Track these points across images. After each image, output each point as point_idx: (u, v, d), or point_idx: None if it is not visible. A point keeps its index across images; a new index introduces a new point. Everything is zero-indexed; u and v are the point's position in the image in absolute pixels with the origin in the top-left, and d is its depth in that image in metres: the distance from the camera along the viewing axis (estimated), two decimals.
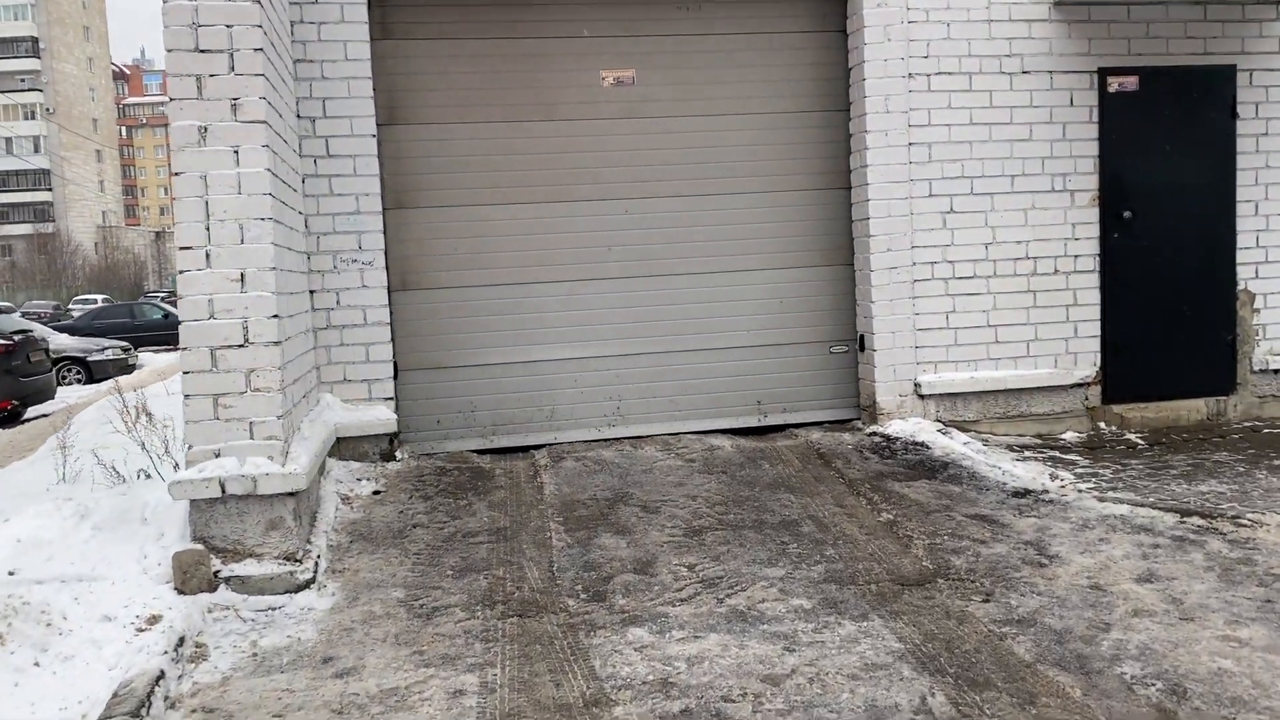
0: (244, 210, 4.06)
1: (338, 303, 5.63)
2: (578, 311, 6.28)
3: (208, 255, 4.04)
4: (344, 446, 5.61)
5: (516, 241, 6.18)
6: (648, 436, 6.32)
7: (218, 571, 3.90)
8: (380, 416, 5.63)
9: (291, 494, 4.01)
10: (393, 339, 5.92)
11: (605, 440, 6.30)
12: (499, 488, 5.39)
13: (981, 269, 6.40)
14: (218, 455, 4.00)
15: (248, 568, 3.95)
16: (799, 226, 6.49)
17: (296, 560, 4.03)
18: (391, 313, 5.92)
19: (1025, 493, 5.14)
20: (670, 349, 6.40)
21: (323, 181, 5.56)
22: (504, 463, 5.91)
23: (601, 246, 6.29)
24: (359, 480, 5.44)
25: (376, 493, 5.31)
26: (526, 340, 6.23)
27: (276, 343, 4.07)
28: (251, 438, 4.02)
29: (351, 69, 5.53)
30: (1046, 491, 5.17)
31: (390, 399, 5.73)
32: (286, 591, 3.92)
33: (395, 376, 5.89)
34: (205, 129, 4.06)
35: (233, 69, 4.08)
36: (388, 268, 5.90)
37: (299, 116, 5.48)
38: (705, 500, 5.08)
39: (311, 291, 5.58)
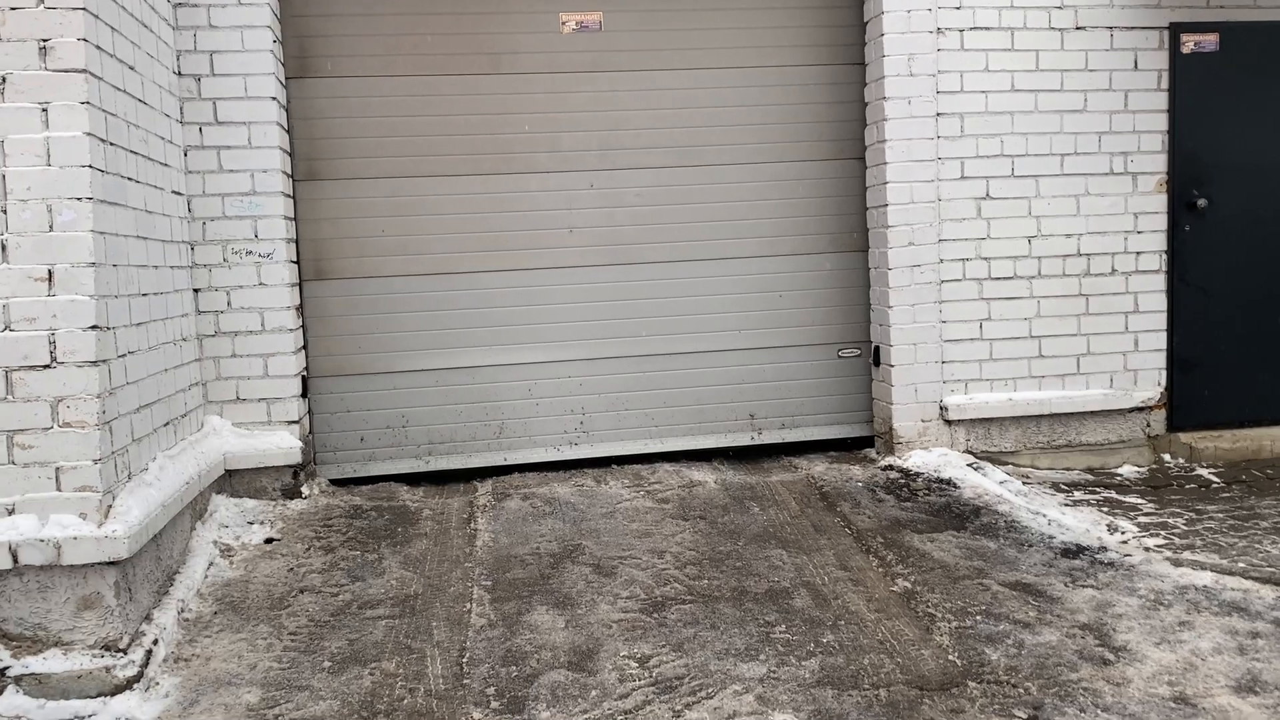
0: (55, 188, 3.21)
1: (228, 304, 4.78)
2: (532, 307, 5.44)
3: (3, 246, 3.19)
4: (237, 480, 4.77)
5: (457, 221, 5.33)
6: (617, 459, 5.55)
7: (6, 668, 3.06)
8: (281, 444, 4.79)
9: (113, 563, 3.16)
10: (305, 344, 5.10)
11: (565, 463, 5.51)
12: (422, 536, 4.54)
13: (1023, 268, 5.50)
14: (11, 512, 3.15)
15: (49, 662, 3.10)
16: (803, 205, 5.62)
17: (120, 650, 3.18)
18: (303, 307, 5.10)
19: (1078, 550, 4.26)
20: (645, 353, 5.55)
21: (209, 155, 4.70)
22: (436, 500, 5.06)
23: (561, 228, 5.43)
24: (250, 524, 4.60)
25: (270, 540, 4.46)
26: (470, 341, 5.39)
27: (96, 363, 3.22)
28: (58, 489, 3.18)
29: (246, 15, 4.67)
30: (1104, 549, 4.29)
31: (294, 422, 4.88)
32: (100, 694, 3.08)
33: (303, 394, 5.04)
34: (3, 80, 3.21)
35: (42, 0, 3.22)
36: (298, 253, 5.10)
37: (179, 74, 4.63)
38: (675, 558, 4.21)
39: (196, 290, 4.73)
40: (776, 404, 5.70)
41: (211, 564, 4.15)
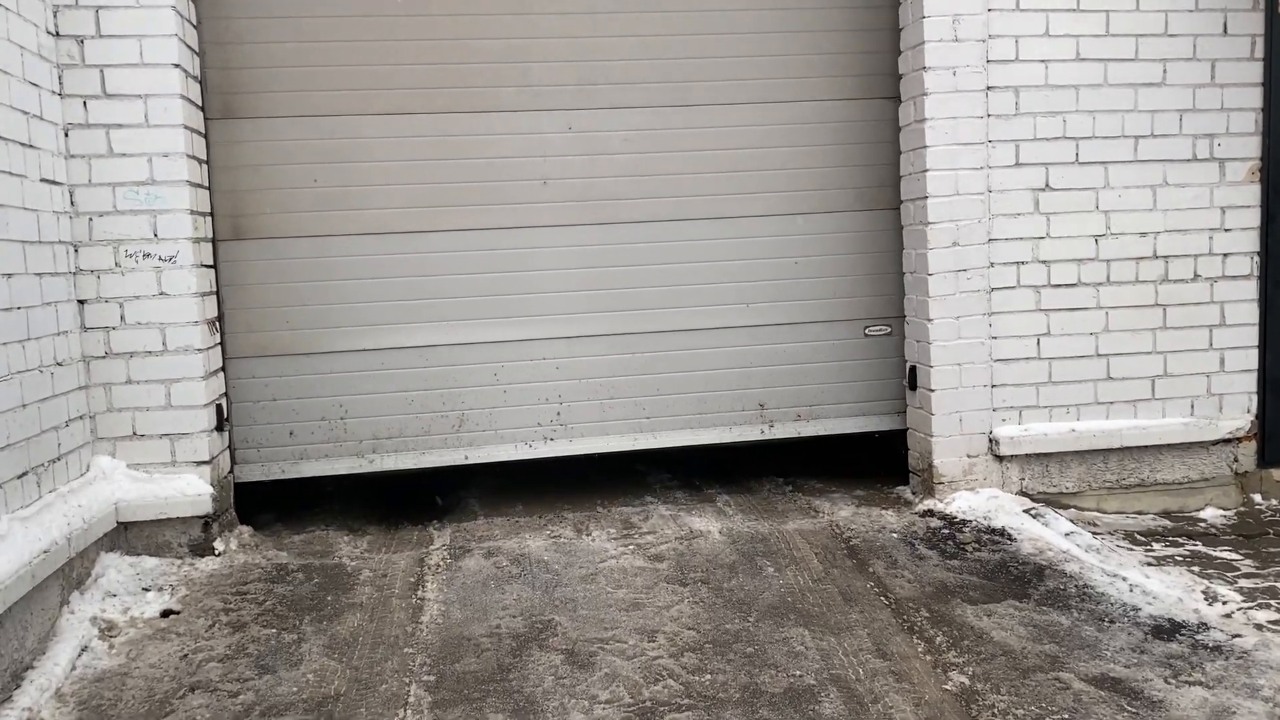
0: None
1: (122, 319, 4.03)
2: (498, 274, 4.73)
3: None
4: (135, 535, 4.02)
5: (405, 169, 4.62)
6: (600, 459, 5.02)
7: None
8: (187, 490, 4.04)
9: None
10: (220, 343, 4.36)
11: (538, 464, 4.92)
12: (355, 607, 3.78)
13: (1089, 272, 4.75)
14: None
15: None
16: (824, 153, 4.91)
17: None
18: (217, 272, 4.43)
19: (1173, 628, 3.51)
20: (634, 330, 4.86)
21: (96, 135, 3.95)
22: (379, 556, 4.30)
23: (533, 179, 4.71)
24: (145, 591, 3.86)
25: (167, 614, 3.72)
26: (422, 315, 4.69)
27: None
28: None
29: None
30: (1205, 626, 3.54)
31: (205, 462, 4.13)
32: None
33: (219, 427, 4.28)
34: None
35: None
36: (212, 207, 4.42)
37: (56, 34, 3.87)
38: (670, 640, 3.46)
39: (81, 302, 3.98)
40: (791, 391, 5.00)
41: (85, 649, 3.40)
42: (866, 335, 5.04)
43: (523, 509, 4.93)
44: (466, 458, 4.81)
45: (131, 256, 4.00)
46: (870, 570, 4.04)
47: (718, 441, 5.00)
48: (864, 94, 4.89)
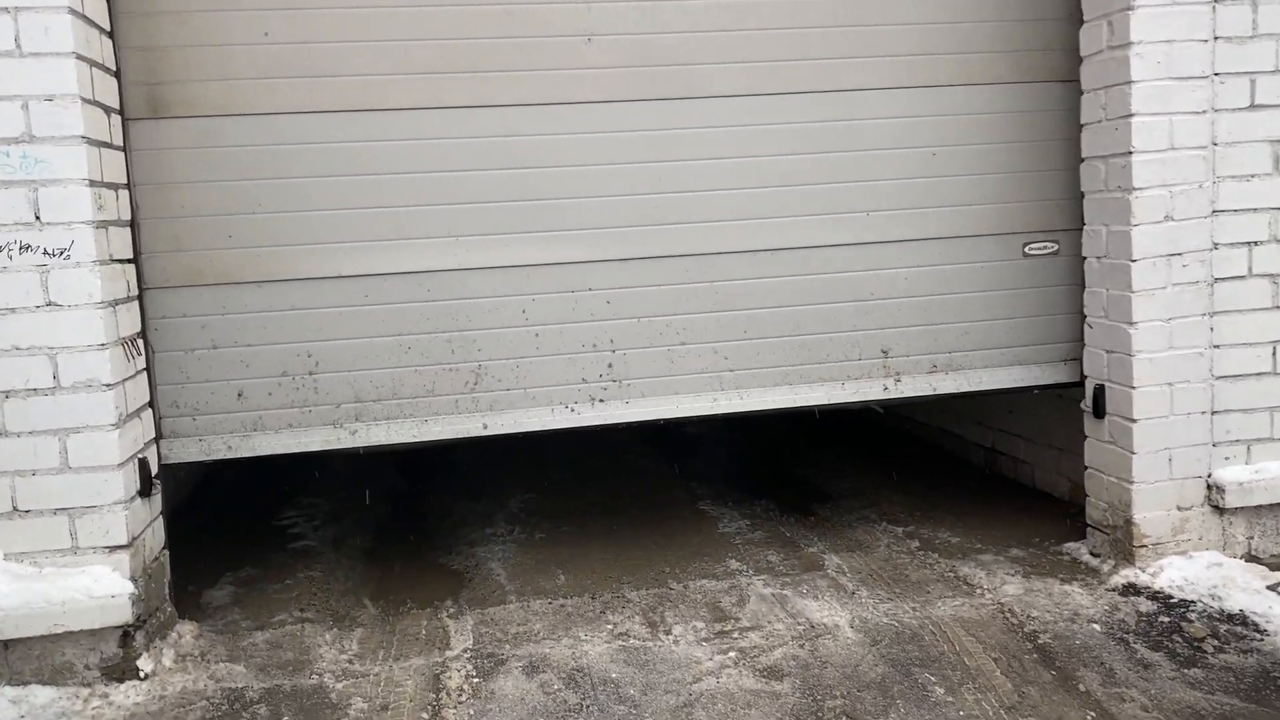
0: None
1: None
2: (525, 171, 3.59)
3: None
4: (19, 656, 2.88)
5: (392, 20, 3.46)
6: (665, 428, 3.72)
7: None
8: (95, 589, 2.88)
9: None
10: (141, 353, 3.16)
11: (586, 432, 3.77)
12: None
13: None
14: None
15: None
16: (968, 4, 3.76)
17: None
18: (129, 163, 3.26)
19: None
20: (711, 248, 3.73)
21: None
22: (376, 669, 3.15)
23: (572, 35, 3.57)
24: None
25: None
26: (420, 228, 3.55)
27: None
28: None
29: None
30: None
31: (123, 546, 2.96)
32: None
33: (143, 491, 3.11)
34: None
35: None
36: (119, 72, 3.22)
37: None
38: None
39: None
40: (924, 333, 3.87)
41: None
42: (1026, 255, 3.87)
43: (566, 581, 3.79)
44: (485, 426, 3.64)
45: (4, 250, 2.82)
46: (1081, 688, 2.91)
47: (826, 401, 3.84)
48: None
